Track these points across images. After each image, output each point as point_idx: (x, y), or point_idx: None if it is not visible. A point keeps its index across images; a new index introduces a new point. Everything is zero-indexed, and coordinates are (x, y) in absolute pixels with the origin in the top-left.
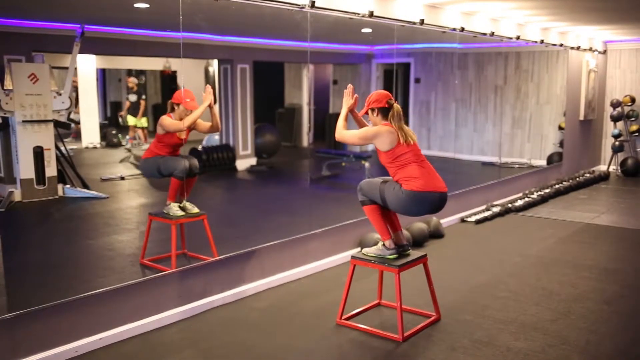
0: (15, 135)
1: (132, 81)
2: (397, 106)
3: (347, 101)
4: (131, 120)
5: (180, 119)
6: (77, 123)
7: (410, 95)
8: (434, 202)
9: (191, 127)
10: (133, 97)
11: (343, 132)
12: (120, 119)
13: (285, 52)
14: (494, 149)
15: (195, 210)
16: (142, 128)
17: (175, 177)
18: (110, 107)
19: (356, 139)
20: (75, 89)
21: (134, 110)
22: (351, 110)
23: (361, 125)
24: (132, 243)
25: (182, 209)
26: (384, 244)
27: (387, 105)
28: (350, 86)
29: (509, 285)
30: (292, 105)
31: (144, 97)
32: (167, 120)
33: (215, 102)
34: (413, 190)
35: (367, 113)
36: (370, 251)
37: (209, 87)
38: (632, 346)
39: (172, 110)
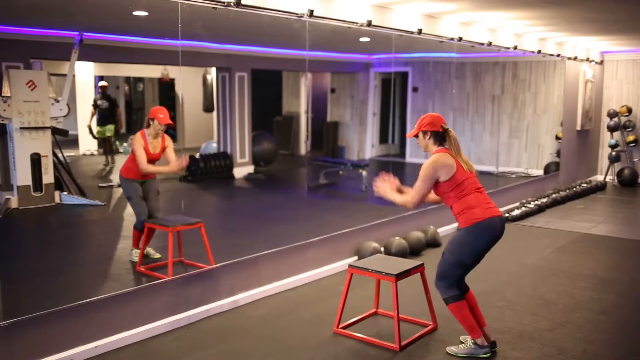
0: (12, 142)
1: (104, 85)
2: (452, 133)
3: (386, 192)
4: (99, 130)
5: (156, 134)
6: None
7: (407, 104)
8: (495, 228)
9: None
10: (104, 104)
11: (407, 199)
12: (89, 131)
13: (284, 61)
14: (491, 159)
15: (157, 255)
16: (108, 138)
17: (135, 227)
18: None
19: (422, 187)
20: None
21: (103, 118)
22: (398, 191)
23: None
24: (128, 250)
25: (146, 255)
26: (475, 342)
27: (441, 130)
28: (382, 180)
29: (506, 294)
30: (290, 114)
31: (117, 104)
32: (138, 150)
33: (212, 109)
34: (475, 222)
35: (416, 136)
36: (460, 351)
37: (183, 161)
38: (629, 356)
39: (148, 125)
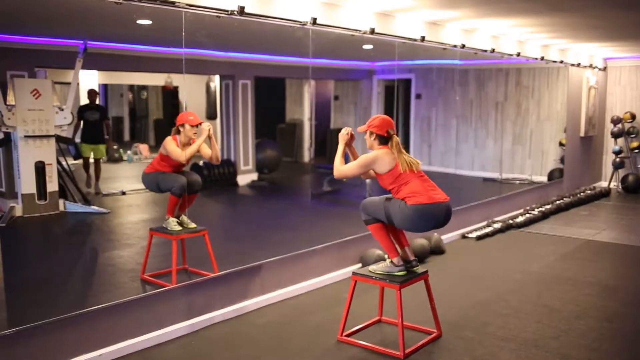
0: (17, 150)
1: (93, 91)
2: (396, 138)
3: (343, 138)
4: (87, 149)
5: (188, 140)
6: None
7: (411, 111)
8: (440, 214)
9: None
10: (93, 115)
11: (341, 168)
12: (74, 149)
13: (287, 68)
14: (494, 165)
15: (193, 225)
16: (97, 160)
17: (173, 194)
18: (111, 122)
19: (355, 169)
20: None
21: (92, 134)
22: (348, 146)
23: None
24: (132, 258)
25: (180, 223)
26: (391, 261)
27: (386, 135)
28: (347, 129)
29: (510, 302)
30: (293, 121)
31: (107, 115)
32: (171, 146)
33: (216, 117)
34: (419, 203)
35: (365, 132)
36: (377, 269)
37: (205, 125)
38: None
39: (178, 132)
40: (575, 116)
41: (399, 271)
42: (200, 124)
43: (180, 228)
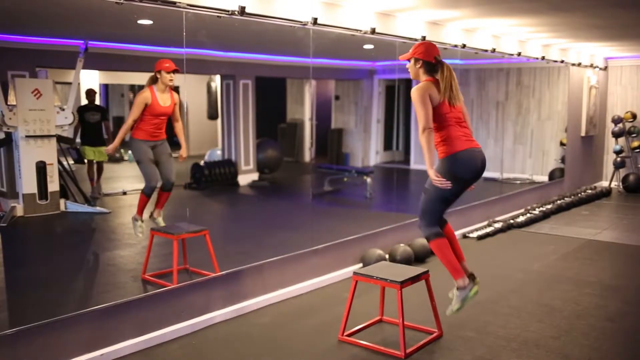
0: (18, 150)
1: (91, 91)
2: (447, 65)
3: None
4: (90, 152)
5: (165, 87)
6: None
7: (412, 111)
8: (475, 159)
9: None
10: (94, 116)
11: (420, 127)
12: (78, 152)
13: (288, 68)
14: (495, 165)
15: (162, 224)
16: (99, 162)
17: (143, 193)
18: (112, 122)
19: (422, 110)
20: None
21: (93, 136)
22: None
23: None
24: (133, 258)
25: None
26: (458, 287)
27: (434, 61)
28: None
29: (511, 301)
30: (294, 121)
31: (107, 116)
32: (137, 100)
33: (217, 117)
34: (452, 152)
35: (408, 59)
36: (454, 306)
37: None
38: None
39: (155, 81)
40: (576, 116)
41: (470, 290)
42: (176, 70)
43: (141, 236)
